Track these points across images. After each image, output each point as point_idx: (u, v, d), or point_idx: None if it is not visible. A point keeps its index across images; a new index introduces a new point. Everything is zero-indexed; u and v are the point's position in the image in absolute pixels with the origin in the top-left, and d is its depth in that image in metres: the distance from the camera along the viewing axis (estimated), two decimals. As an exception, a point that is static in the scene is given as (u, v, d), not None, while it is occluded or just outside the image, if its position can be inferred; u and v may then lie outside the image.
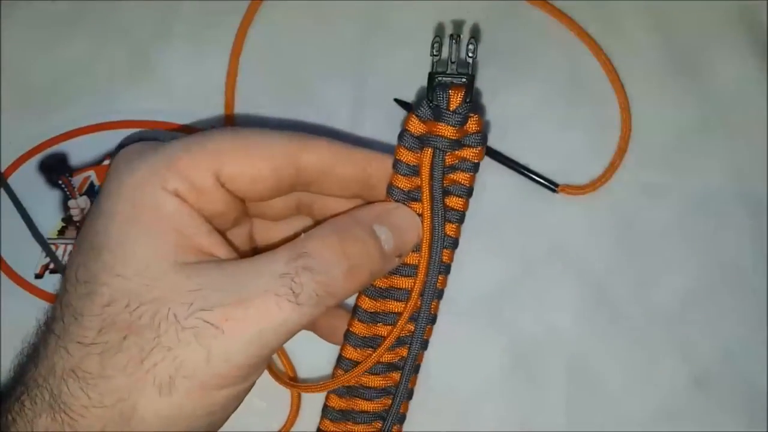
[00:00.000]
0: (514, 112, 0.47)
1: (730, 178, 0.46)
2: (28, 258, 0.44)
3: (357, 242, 0.31)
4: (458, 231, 0.35)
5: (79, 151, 0.46)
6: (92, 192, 0.45)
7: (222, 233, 0.33)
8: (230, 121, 0.46)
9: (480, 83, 0.48)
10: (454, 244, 0.35)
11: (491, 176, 0.45)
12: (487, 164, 0.45)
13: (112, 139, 0.46)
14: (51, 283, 0.43)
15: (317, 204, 0.36)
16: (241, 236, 0.36)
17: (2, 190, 0.45)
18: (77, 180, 0.45)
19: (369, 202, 0.35)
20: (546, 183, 0.45)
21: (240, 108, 0.47)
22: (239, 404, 0.31)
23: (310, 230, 0.31)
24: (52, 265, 0.44)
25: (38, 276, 0.43)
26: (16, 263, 0.44)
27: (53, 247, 0.44)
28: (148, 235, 0.29)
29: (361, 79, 0.48)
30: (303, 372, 0.43)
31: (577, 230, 0.45)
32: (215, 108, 0.47)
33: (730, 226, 0.45)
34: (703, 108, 0.47)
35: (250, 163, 0.31)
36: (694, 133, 0.47)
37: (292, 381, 0.42)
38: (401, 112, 0.46)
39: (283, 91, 0.48)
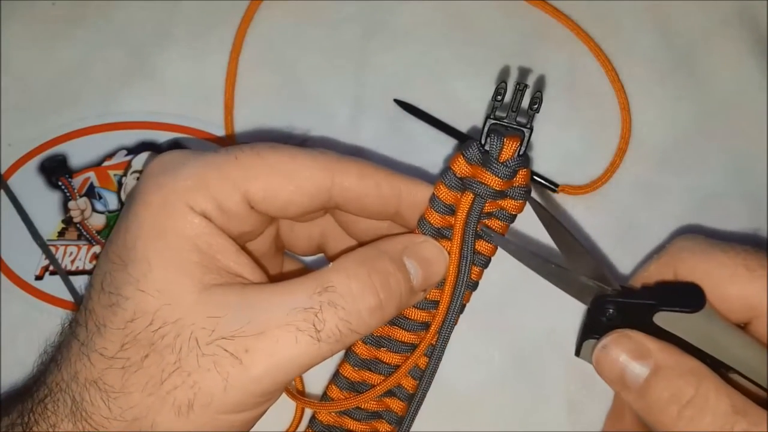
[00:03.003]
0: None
1: (730, 178, 0.46)
2: (28, 259, 0.44)
3: (386, 276, 0.30)
4: (481, 274, 0.34)
5: (79, 152, 0.46)
6: (92, 193, 0.45)
7: (249, 241, 0.32)
8: (230, 123, 0.46)
9: (480, 84, 0.47)
10: (474, 286, 0.34)
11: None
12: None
13: (112, 140, 0.46)
14: (51, 284, 0.43)
15: (344, 214, 0.35)
16: (267, 237, 0.36)
17: (2, 191, 0.45)
18: (77, 181, 0.45)
19: (396, 226, 0.35)
20: (546, 183, 0.45)
21: (240, 108, 0.47)
22: (255, 423, 0.31)
23: (338, 259, 0.30)
24: (51, 267, 0.44)
25: (38, 278, 0.43)
26: (16, 265, 0.44)
27: (53, 249, 0.44)
28: (173, 255, 0.29)
29: (361, 79, 0.48)
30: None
31: (577, 230, 0.45)
32: (215, 108, 0.47)
33: (730, 226, 0.45)
34: (702, 108, 0.47)
35: (282, 188, 0.31)
36: (694, 133, 0.47)
37: (299, 394, 0.42)
38: (401, 113, 0.46)
39: (283, 91, 0.48)
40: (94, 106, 0.47)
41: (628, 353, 0.30)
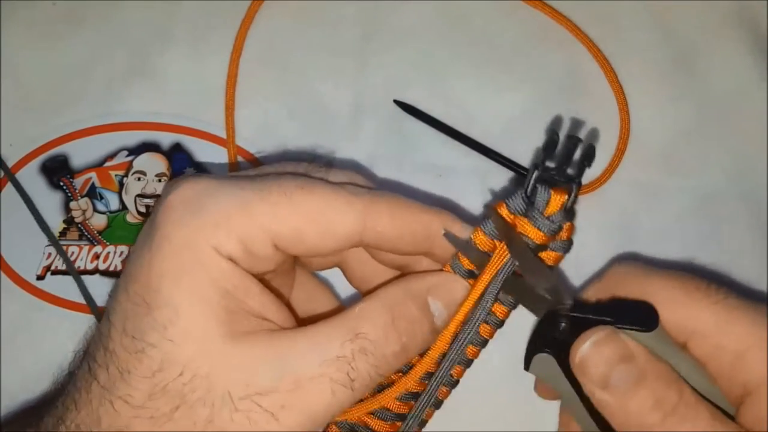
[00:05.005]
0: (514, 113, 0.47)
1: (730, 178, 0.46)
2: (30, 259, 0.44)
3: (410, 322, 0.30)
4: (507, 314, 0.33)
5: (80, 152, 0.46)
6: (94, 193, 0.45)
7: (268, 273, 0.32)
8: (230, 123, 0.46)
9: (480, 84, 0.48)
10: (500, 324, 0.34)
11: (491, 177, 0.45)
12: (488, 165, 0.45)
13: (113, 140, 0.46)
14: (52, 284, 0.43)
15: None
16: (287, 261, 0.34)
17: (11, 186, 0.45)
18: (79, 181, 0.45)
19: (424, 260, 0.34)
20: (546, 183, 0.45)
21: (240, 108, 0.47)
22: None
23: (364, 302, 0.30)
24: (53, 267, 0.44)
25: (40, 277, 0.43)
26: (17, 264, 0.44)
27: (53, 249, 0.44)
28: (201, 301, 0.28)
29: (361, 79, 0.48)
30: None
31: (576, 230, 0.45)
32: (215, 108, 0.47)
33: (730, 226, 0.45)
34: (702, 108, 0.47)
35: (312, 232, 0.30)
36: (693, 133, 0.47)
37: None
38: (401, 113, 0.47)
39: (283, 92, 0.48)
40: (95, 107, 0.47)
41: (616, 354, 0.30)
